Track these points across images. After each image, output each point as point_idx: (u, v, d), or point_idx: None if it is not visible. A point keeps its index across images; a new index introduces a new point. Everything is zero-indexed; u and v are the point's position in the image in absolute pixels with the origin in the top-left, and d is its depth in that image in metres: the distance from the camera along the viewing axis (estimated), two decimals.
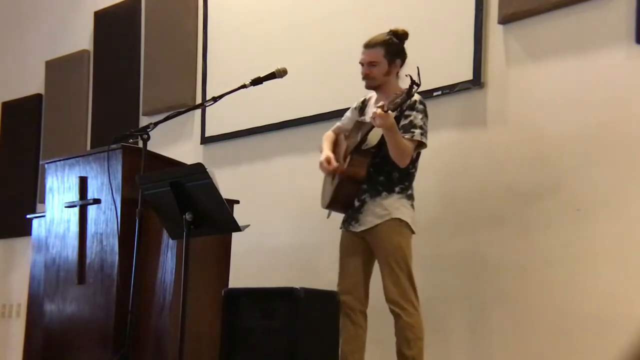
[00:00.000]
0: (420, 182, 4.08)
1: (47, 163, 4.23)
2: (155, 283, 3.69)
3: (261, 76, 3.67)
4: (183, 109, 3.84)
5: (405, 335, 3.42)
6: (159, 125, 3.50)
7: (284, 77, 3.72)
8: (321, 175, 3.72)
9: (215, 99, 3.61)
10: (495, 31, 3.90)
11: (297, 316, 3.18)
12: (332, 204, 3.65)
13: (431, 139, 4.10)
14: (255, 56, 4.88)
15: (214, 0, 5.30)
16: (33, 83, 6.65)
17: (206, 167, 2.99)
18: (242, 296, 3.41)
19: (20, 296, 6.03)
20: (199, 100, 5.27)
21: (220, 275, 3.93)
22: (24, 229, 5.73)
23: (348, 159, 3.57)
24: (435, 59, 4.05)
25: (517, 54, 3.83)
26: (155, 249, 3.71)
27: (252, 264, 4.62)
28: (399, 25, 4.12)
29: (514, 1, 3.78)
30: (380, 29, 4.25)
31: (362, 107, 3.79)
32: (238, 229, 3.09)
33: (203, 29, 5.34)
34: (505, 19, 3.84)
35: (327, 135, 3.86)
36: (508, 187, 3.79)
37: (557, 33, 3.69)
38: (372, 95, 3.75)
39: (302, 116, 4.60)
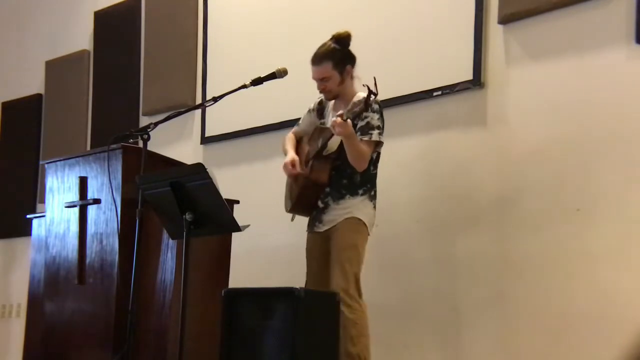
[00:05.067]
0: (421, 182, 4.09)
1: (47, 163, 4.23)
2: (155, 283, 3.70)
3: (261, 76, 3.69)
4: (183, 109, 3.85)
5: (350, 333, 3.44)
6: (159, 125, 3.50)
7: (284, 77, 3.73)
8: None
9: (215, 99, 3.62)
10: (495, 31, 3.90)
11: (297, 316, 3.18)
12: (295, 209, 3.74)
13: (431, 139, 4.11)
14: (255, 56, 4.88)
15: (214, 0, 5.30)
16: (33, 83, 6.66)
17: (206, 167, 3.00)
18: (242, 296, 3.40)
19: (20, 296, 6.03)
20: (199, 100, 5.27)
21: (220, 275, 3.93)
22: (24, 229, 5.73)
23: (310, 165, 3.63)
24: (435, 59, 4.06)
25: (517, 54, 3.83)
26: (155, 249, 3.71)
27: (252, 264, 4.62)
28: (397, 26, 4.13)
29: (514, 1, 3.78)
30: (380, 29, 4.27)
31: (320, 108, 3.83)
32: (238, 229, 3.10)
33: (203, 29, 5.34)
34: (505, 19, 3.84)
35: (289, 137, 3.91)
36: (508, 187, 3.79)
37: (557, 33, 3.69)
38: None
39: (301, 116, 4.59)
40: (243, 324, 3.34)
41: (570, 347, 3.51)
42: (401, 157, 4.14)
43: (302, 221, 3.81)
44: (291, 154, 3.74)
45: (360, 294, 3.52)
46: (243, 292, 3.44)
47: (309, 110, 3.88)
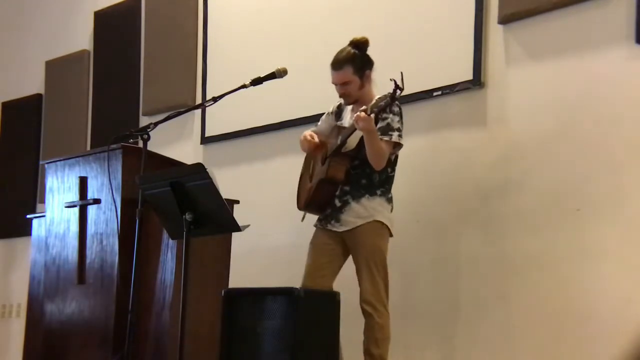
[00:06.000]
0: (421, 182, 4.09)
1: (47, 163, 4.23)
2: (155, 283, 3.70)
3: (261, 76, 3.68)
4: (183, 109, 3.85)
5: (375, 336, 3.50)
6: (159, 125, 3.50)
7: (284, 77, 3.73)
8: None
9: (215, 99, 3.62)
10: (495, 31, 3.90)
11: (297, 316, 3.18)
12: (309, 206, 3.73)
13: (431, 139, 4.11)
14: (255, 56, 4.88)
15: (214, 0, 5.30)
16: (33, 83, 6.65)
17: (206, 167, 3.00)
18: (242, 296, 3.41)
19: (20, 296, 6.03)
20: (199, 100, 5.26)
21: (220, 275, 3.93)
22: (24, 229, 5.73)
23: (327, 162, 3.62)
24: (435, 59, 4.06)
25: (517, 54, 3.83)
26: (155, 249, 3.71)
27: (252, 264, 4.62)
28: (397, 26, 4.12)
29: (514, 1, 3.78)
30: (380, 28, 4.27)
31: (339, 112, 3.83)
32: (238, 229, 3.10)
33: (203, 29, 5.34)
34: (505, 19, 3.84)
35: None
36: (508, 187, 3.79)
37: (557, 33, 3.69)
38: None
39: (302, 116, 4.60)
40: (243, 324, 3.34)
41: (570, 347, 3.51)
42: (401, 156, 4.12)
43: (302, 220, 3.80)
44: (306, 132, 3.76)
45: (388, 297, 3.57)
46: (243, 292, 3.44)
47: (328, 113, 3.88)
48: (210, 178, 2.98)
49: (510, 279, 3.73)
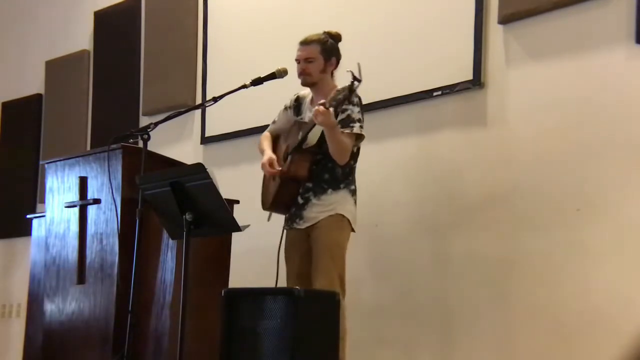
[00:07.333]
0: (420, 182, 4.09)
1: (47, 163, 4.23)
2: (155, 283, 3.70)
3: (261, 76, 3.69)
4: (183, 109, 3.85)
5: None
6: (159, 125, 3.50)
7: (284, 77, 3.73)
8: None
9: (215, 99, 3.62)
10: (495, 31, 3.90)
11: (297, 316, 3.18)
12: (274, 206, 3.71)
13: (431, 139, 4.10)
14: (255, 56, 4.88)
15: (214, 0, 5.30)
16: (33, 83, 6.66)
17: (206, 167, 3.00)
18: (242, 296, 3.40)
19: (20, 296, 6.03)
20: (199, 100, 5.27)
21: (220, 275, 3.93)
22: (24, 229, 5.73)
23: (288, 159, 3.60)
24: (435, 59, 4.06)
25: (517, 54, 3.83)
26: (155, 249, 3.71)
27: (252, 264, 4.62)
28: (397, 26, 4.12)
29: (514, 1, 3.78)
30: (380, 28, 4.27)
31: (297, 105, 3.81)
32: (238, 229, 3.10)
33: (203, 29, 5.34)
34: (505, 19, 3.84)
35: (265, 136, 3.89)
36: (508, 187, 3.79)
37: (557, 33, 3.69)
38: (306, 94, 3.78)
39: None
40: (243, 324, 3.34)
41: (570, 347, 3.51)
42: (401, 157, 4.14)
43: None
44: (268, 153, 3.70)
45: (344, 294, 3.51)
46: (243, 292, 3.44)
47: (285, 108, 3.86)
48: (210, 178, 2.98)
49: (510, 279, 3.72)
